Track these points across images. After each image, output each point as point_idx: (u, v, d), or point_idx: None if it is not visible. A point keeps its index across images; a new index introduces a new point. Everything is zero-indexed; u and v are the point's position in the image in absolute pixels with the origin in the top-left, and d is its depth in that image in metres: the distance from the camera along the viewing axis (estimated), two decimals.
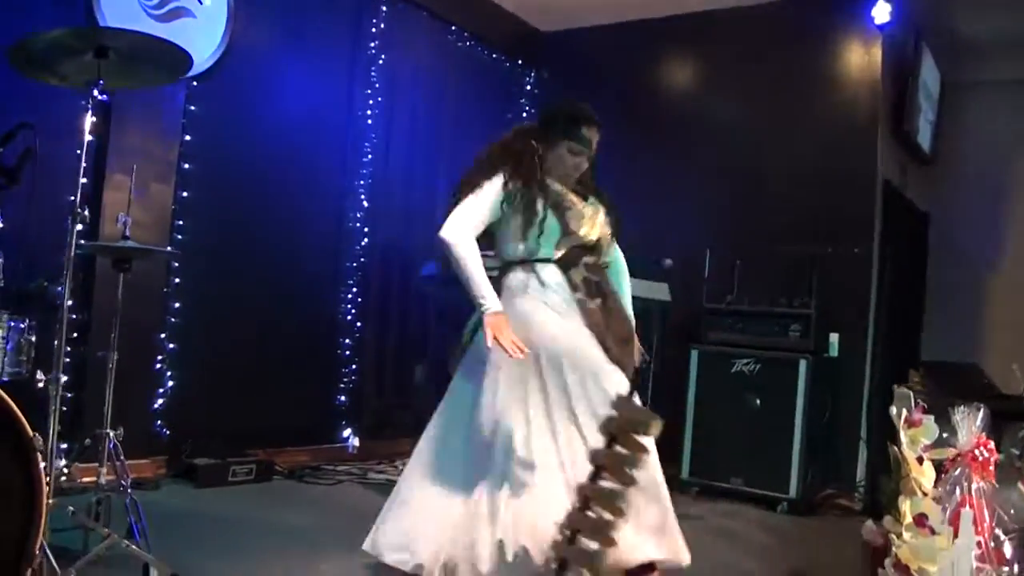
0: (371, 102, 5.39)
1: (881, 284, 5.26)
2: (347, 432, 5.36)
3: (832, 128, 5.33)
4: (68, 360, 3.91)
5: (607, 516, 1.38)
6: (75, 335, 3.93)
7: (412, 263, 5.20)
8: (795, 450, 4.69)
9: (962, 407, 3.10)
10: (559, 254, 2.75)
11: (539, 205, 2.71)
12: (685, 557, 2.60)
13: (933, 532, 1.76)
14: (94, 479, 3.00)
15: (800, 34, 5.51)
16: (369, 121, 5.39)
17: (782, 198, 5.44)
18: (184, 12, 4.26)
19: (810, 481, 4.74)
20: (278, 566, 3.04)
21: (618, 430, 1.55)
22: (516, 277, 2.77)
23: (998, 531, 2.31)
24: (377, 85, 5.41)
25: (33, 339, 2.82)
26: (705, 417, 5.02)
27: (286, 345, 4.94)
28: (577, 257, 2.77)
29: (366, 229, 5.40)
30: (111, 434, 3.00)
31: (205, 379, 4.47)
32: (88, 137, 2.52)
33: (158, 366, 4.33)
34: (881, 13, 5.11)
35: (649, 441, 2.17)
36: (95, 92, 2.52)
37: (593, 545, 1.42)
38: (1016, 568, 2.11)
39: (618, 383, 2.56)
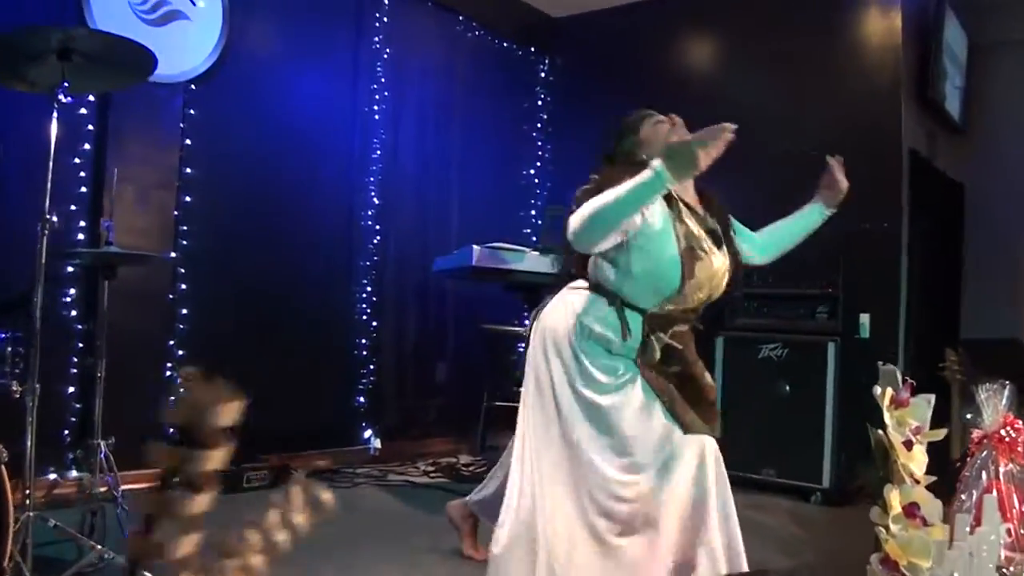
0: (377, 97, 5.32)
1: (912, 260, 5.03)
2: (368, 433, 5.30)
3: (853, 99, 5.11)
4: (75, 371, 3.94)
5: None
6: (80, 345, 3.92)
7: (427, 258, 5.11)
8: (827, 437, 4.52)
9: (986, 384, 2.92)
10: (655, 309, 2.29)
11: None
12: None
13: (926, 523, 1.60)
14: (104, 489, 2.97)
15: (818, 5, 5.30)
16: (376, 116, 5.32)
17: (804, 174, 5.22)
18: (178, 15, 4.22)
19: (844, 469, 4.54)
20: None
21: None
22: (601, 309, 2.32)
23: None
24: (383, 80, 5.34)
25: (21, 350, 2.79)
26: (733, 407, 4.80)
27: (300, 347, 4.89)
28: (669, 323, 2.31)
29: (378, 226, 5.33)
30: (102, 444, 2.95)
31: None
32: (53, 144, 2.47)
33: (168, 373, 4.30)
34: None
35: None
36: (60, 96, 2.47)
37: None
38: None
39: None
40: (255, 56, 4.68)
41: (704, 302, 2.34)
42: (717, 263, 2.32)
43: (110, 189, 3.43)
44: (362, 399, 5.29)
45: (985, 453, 2.71)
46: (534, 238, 5.88)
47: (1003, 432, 2.68)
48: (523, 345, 3.83)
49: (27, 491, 2.43)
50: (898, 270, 4.96)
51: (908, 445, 1.68)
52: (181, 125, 4.31)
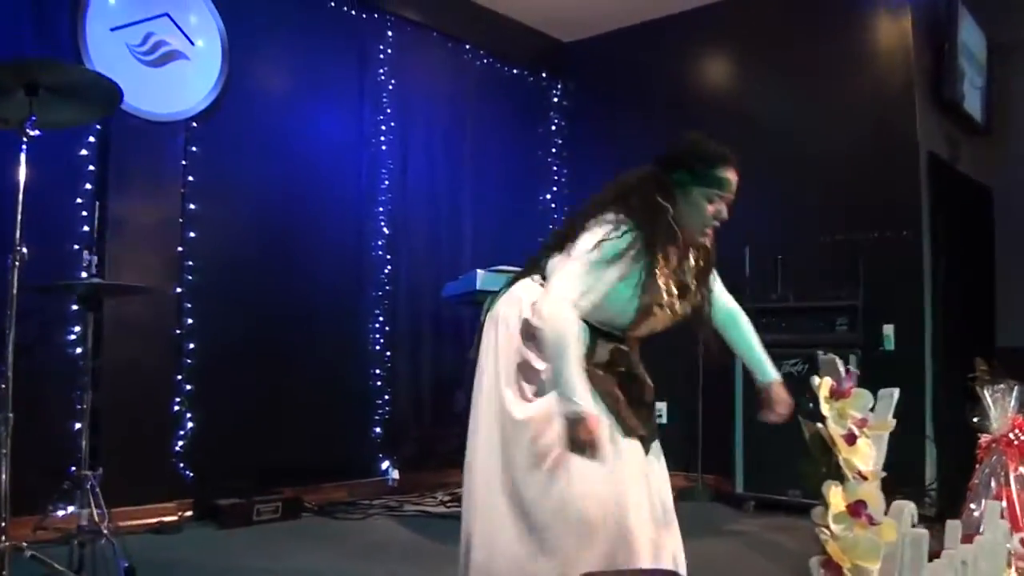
0: (384, 128, 5.34)
1: (936, 268, 4.83)
2: (385, 465, 5.24)
3: (867, 106, 4.97)
4: (82, 406, 3.96)
5: None
6: (86, 379, 3.94)
7: (440, 287, 5.08)
8: None
9: (991, 386, 2.76)
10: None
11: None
12: None
13: (873, 522, 1.48)
14: (105, 523, 2.96)
15: (825, 11, 5.20)
16: (384, 147, 5.34)
17: (820, 185, 5.11)
18: (176, 55, 4.28)
19: None
20: None
21: None
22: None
23: None
24: (389, 110, 5.36)
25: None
26: (755, 427, 4.68)
27: (312, 380, 4.87)
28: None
29: (389, 256, 5.33)
30: (90, 475, 2.94)
31: (227, 419, 4.43)
32: (22, 178, 2.49)
33: (176, 408, 4.31)
34: None
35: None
36: (28, 130, 2.50)
37: None
38: None
39: None
40: (258, 92, 4.73)
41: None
42: (669, 317, 2.28)
43: (108, 226, 3.47)
44: (378, 430, 5.25)
45: (994, 458, 2.56)
46: None
47: (1012, 435, 2.53)
48: None
49: (1, 524, 2.42)
50: (921, 279, 4.77)
51: (851, 439, 1.56)
52: (183, 162, 4.36)
